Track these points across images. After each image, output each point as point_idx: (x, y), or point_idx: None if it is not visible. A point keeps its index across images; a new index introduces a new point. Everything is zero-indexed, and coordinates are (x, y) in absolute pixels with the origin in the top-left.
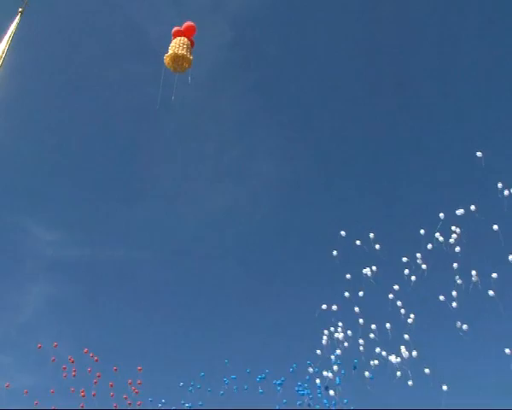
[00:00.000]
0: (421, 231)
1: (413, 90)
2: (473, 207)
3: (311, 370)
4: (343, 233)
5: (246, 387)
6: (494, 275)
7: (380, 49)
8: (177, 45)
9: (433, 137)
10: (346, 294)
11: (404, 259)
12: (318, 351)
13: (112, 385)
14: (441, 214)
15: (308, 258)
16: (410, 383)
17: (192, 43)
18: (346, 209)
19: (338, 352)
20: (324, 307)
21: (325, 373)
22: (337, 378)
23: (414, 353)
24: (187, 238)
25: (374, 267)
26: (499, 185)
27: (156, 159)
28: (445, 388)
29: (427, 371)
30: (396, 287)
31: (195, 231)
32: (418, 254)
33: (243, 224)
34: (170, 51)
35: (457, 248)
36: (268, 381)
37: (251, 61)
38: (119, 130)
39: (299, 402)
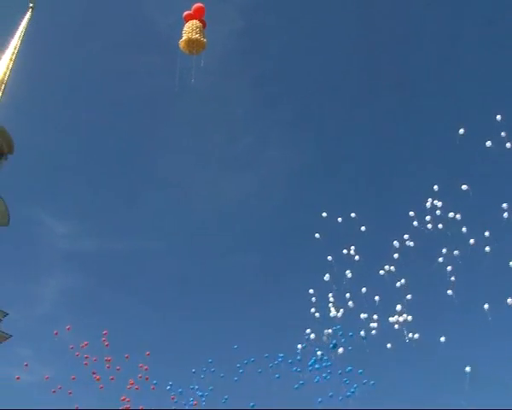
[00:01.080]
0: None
1: (412, 91)
2: (464, 187)
3: (299, 346)
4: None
5: (260, 370)
6: (487, 233)
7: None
8: (190, 30)
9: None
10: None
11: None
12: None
13: (119, 369)
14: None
15: (317, 242)
16: (410, 335)
17: (204, 24)
18: (354, 195)
19: (335, 313)
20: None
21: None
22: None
23: (409, 317)
24: (199, 227)
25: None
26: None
27: (167, 149)
28: (442, 339)
29: (416, 336)
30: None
31: (207, 220)
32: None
33: (255, 211)
34: (184, 36)
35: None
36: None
37: (261, 49)
38: (129, 121)
39: (316, 379)
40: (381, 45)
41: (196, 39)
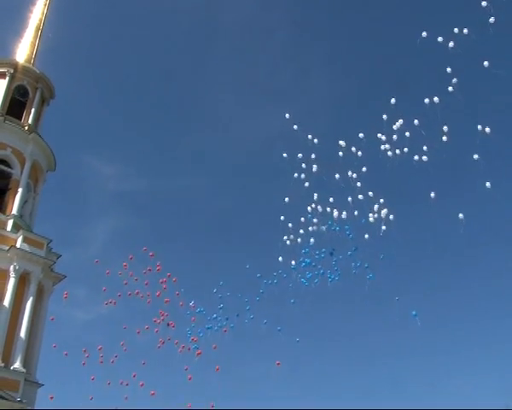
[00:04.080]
0: None
1: None
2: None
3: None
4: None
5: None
6: None
7: None
8: None
9: None
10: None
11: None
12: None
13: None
14: None
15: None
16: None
17: None
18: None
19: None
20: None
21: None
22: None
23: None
24: (244, 162)
25: None
26: None
27: (208, 86)
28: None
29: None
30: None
31: (252, 154)
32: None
33: (298, 142)
34: None
35: None
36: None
37: None
38: (170, 61)
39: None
40: None
41: None
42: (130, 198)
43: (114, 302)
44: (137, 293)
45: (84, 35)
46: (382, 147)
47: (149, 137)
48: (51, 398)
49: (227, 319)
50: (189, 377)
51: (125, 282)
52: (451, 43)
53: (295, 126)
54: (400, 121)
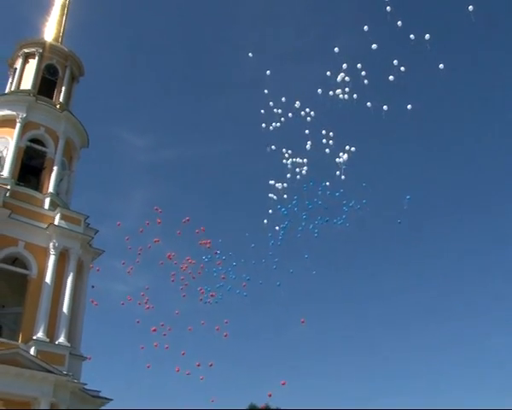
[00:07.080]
0: None
1: None
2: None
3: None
4: None
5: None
6: None
7: None
8: None
9: None
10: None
11: None
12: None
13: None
14: None
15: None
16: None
17: None
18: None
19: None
20: None
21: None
22: None
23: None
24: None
25: None
26: None
27: (236, 48)
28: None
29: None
30: None
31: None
32: None
33: (330, 104)
34: None
35: None
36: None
37: None
38: (197, 27)
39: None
40: None
41: None
42: (163, 168)
43: (133, 266)
44: (169, 257)
45: (111, 9)
46: None
47: (179, 108)
48: (89, 358)
49: (234, 278)
50: (165, 347)
51: (147, 246)
52: None
53: (268, 72)
54: None
